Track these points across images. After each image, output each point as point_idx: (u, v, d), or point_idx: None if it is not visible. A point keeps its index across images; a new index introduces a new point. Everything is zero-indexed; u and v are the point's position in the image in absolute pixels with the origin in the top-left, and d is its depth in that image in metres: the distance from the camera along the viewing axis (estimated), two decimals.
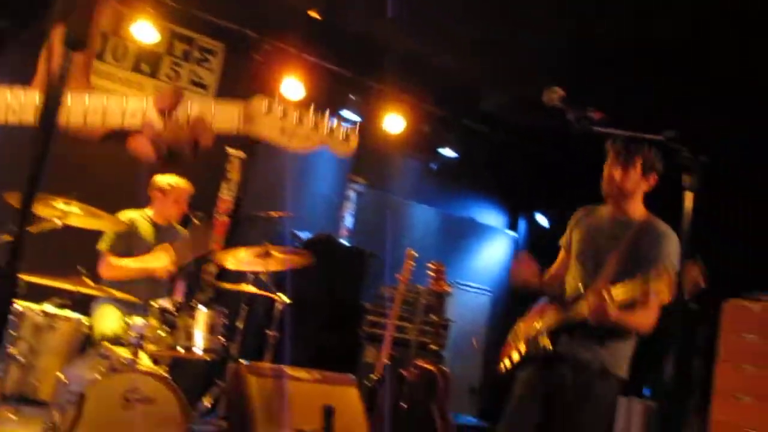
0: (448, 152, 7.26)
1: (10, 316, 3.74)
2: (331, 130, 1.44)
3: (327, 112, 1.45)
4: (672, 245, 2.92)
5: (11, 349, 3.80)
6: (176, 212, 4.69)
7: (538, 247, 8.28)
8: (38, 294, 4.06)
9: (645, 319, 2.86)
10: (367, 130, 6.76)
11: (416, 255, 4.89)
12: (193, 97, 1.47)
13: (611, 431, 3.14)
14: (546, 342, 3.01)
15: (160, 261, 4.40)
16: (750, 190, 4.18)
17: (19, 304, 3.93)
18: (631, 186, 2.99)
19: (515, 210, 8.32)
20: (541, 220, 8.04)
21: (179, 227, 4.82)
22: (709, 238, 4.00)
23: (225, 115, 1.42)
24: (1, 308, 1.10)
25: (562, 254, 3.36)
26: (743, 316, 4.43)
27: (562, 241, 3.36)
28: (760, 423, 4.68)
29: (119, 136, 1.46)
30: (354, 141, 1.47)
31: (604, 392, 2.97)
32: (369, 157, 7.03)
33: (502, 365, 3.28)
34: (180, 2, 5.74)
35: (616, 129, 2.01)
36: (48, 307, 4.08)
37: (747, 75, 4.78)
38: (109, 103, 1.39)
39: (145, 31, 5.55)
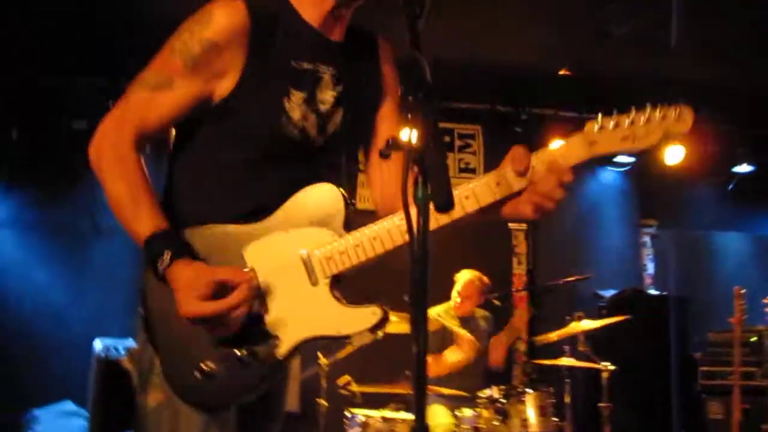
0: (742, 168, 6.55)
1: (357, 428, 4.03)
2: (663, 115, 1.47)
3: (648, 104, 1.49)
4: None
5: None
6: (470, 306, 4.88)
7: None
8: (376, 401, 4.35)
9: None
10: (646, 168, 6.36)
11: (744, 291, 4.38)
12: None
13: None
14: None
15: (458, 354, 4.48)
16: None
17: (359, 413, 4.21)
18: None
19: None
20: None
21: (479, 312, 4.98)
22: None
23: (572, 152, 1.50)
24: None
25: None
26: None
27: None
28: None
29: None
30: (688, 114, 1.47)
31: None
32: (655, 196, 6.60)
33: None
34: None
35: None
36: (386, 413, 4.30)
37: None
38: None
39: None
